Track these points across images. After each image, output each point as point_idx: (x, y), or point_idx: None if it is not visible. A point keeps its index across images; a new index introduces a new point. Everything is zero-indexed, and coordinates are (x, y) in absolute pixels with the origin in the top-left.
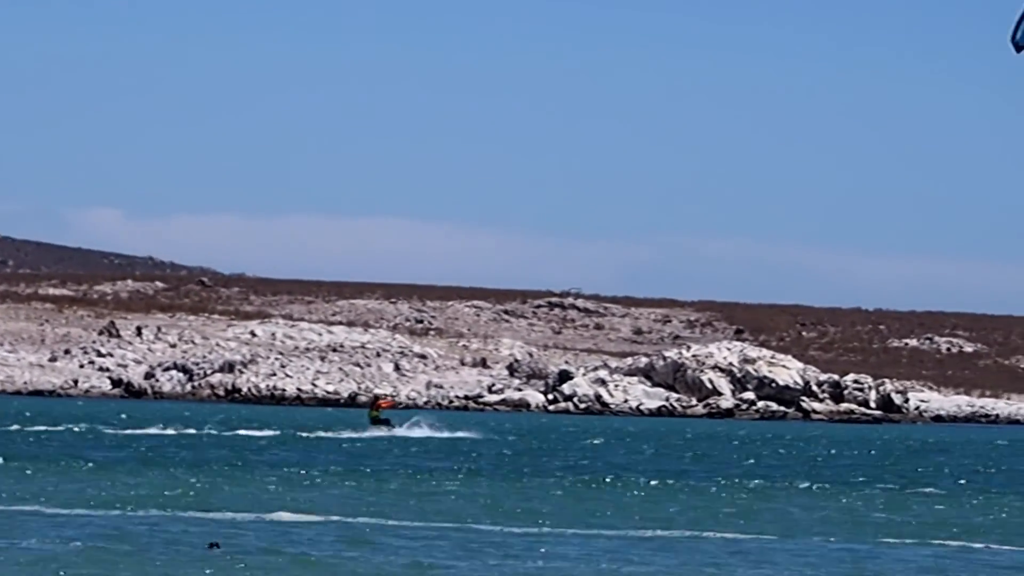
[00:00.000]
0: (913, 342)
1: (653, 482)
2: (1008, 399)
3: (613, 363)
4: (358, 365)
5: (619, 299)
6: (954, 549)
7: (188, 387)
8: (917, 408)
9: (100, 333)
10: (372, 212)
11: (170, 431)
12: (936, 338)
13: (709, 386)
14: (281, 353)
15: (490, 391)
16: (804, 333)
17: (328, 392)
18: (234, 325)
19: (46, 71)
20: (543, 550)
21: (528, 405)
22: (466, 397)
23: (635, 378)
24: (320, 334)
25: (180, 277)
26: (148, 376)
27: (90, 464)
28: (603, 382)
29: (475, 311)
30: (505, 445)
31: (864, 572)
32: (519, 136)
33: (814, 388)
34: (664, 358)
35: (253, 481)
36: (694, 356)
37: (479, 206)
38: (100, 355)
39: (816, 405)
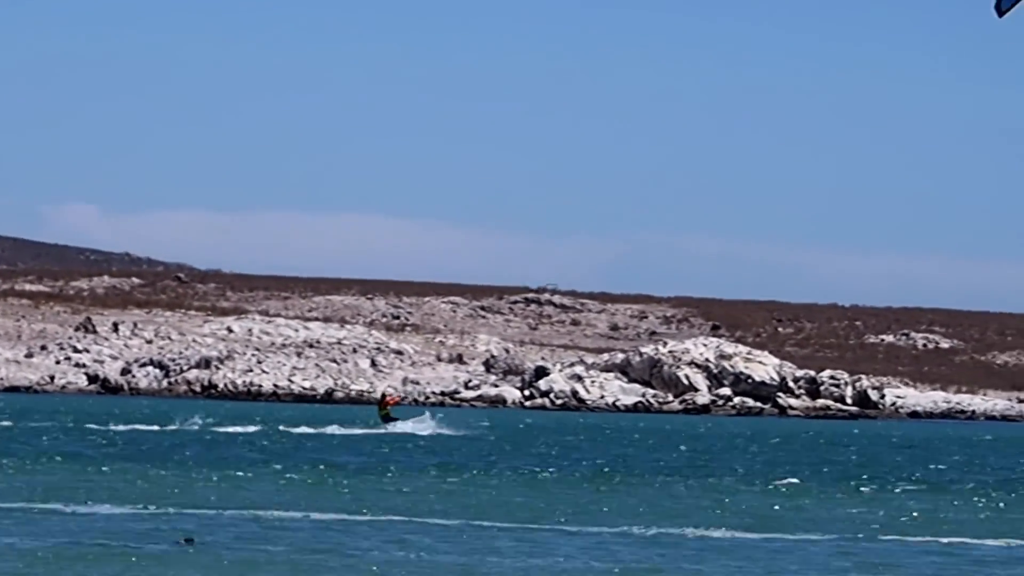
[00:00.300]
0: (889, 338)
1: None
2: (984, 395)
3: (589, 359)
4: (334, 361)
5: (595, 295)
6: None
7: (164, 383)
8: (893, 404)
9: (76, 329)
10: (349, 208)
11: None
12: (912, 334)
13: (685, 382)
14: (258, 349)
15: (466, 387)
16: (780, 329)
17: (304, 388)
18: (210, 321)
19: (22, 68)
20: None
21: (504, 401)
22: (442, 393)
23: (611, 374)
24: (296, 330)
25: (156, 273)
26: (124, 372)
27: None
28: (579, 378)
29: (451, 307)
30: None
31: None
32: (497, 133)
33: (790, 384)
34: (640, 354)
35: (241, 477)
36: (670, 352)
37: (456, 202)
38: (76, 351)
39: (792, 401)
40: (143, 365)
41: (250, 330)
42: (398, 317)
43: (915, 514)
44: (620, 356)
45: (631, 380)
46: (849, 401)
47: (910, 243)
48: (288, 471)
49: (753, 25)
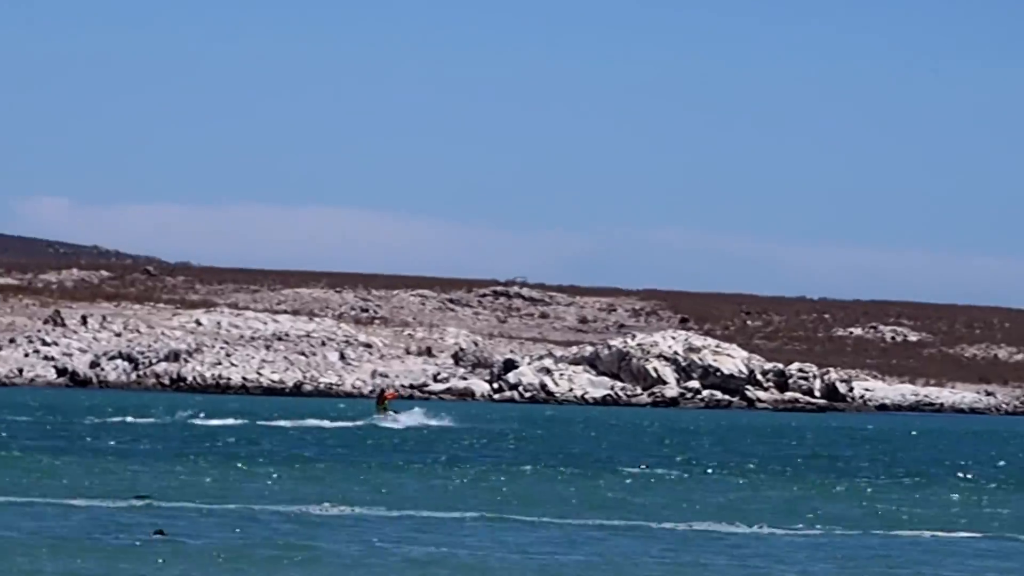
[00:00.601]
0: (858, 331)
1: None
2: (952, 388)
3: (558, 352)
4: (303, 354)
5: (564, 288)
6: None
7: (133, 376)
8: (862, 397)
9: (45, 322)
10: (317, 201)
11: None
12: (881, 327)
13: (654, 375)
14: (226, 342)
15: (435, 380)
16: (749, 322)
17: (273, 381)
18: (179, 314)
19: None
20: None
21: (473, 394)
22: (411, 386)
23: (580, 367)
24: (265, 323)
25: (125, 266)
26: (93, 365)
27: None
28: (548, 371)
29: (420, 300)
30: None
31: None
32: (465, 126)
33: (759, 377)
34: (609, 347)
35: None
36: (639, 345)
37: (425, 196)
38: (45, 344)
39: (761, 394)
40: (112, 358)
41: (219, 323)
42: (367, 310)
43: (879, 506)
44: (589, 349)
45: (600, 373)
46: (817, 394)
47: (878, 236)
48: (270, 464)
49: (720, 16)
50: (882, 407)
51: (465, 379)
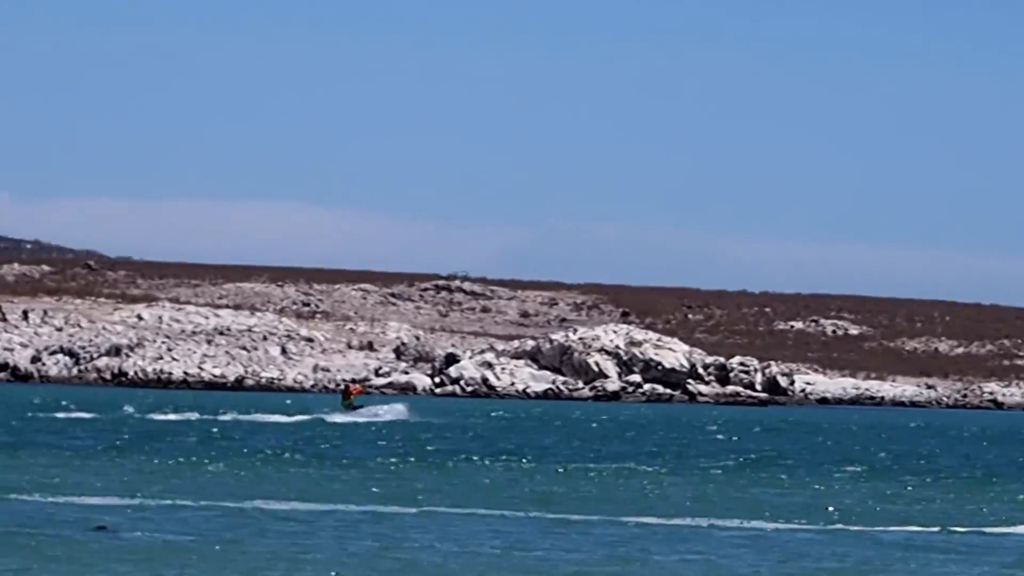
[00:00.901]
0: (799, 325)
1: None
2: (893, 381)
3: (500, 346)
4: (245, 348)
5: (506, 282)
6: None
7: (75, 371)
8: (803, 390)
9: None
10: (259, 196)
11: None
12: (822, 321)
13: (595, 369)
14: (168, 336)
15: (377, 374)
16: (690, 316)
17: (215, 375)
18: (121, 308)
19: None
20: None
21: (415, 388)
22: (352, 380)
23: (522, 361)
24: (207, 317)
25: (66, 260)
26: (34, 360)
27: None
28: (490, 365)
29: (362, 294)
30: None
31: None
32: (407, 120)
33: (700, 371)
34: (551, 341)
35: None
36: (580, 339)
37: (366, 190)
38: None
39: (702, 388)
40: (53, 353)
41: (160, 317)
42: (308, 304)
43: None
44: (530, 343)
45: (541, 367)
46: (759, 387)
47: (820, 230)
48: (220, 459)
49: (658, 7)
50: (823, 400)
51: (407, 373)
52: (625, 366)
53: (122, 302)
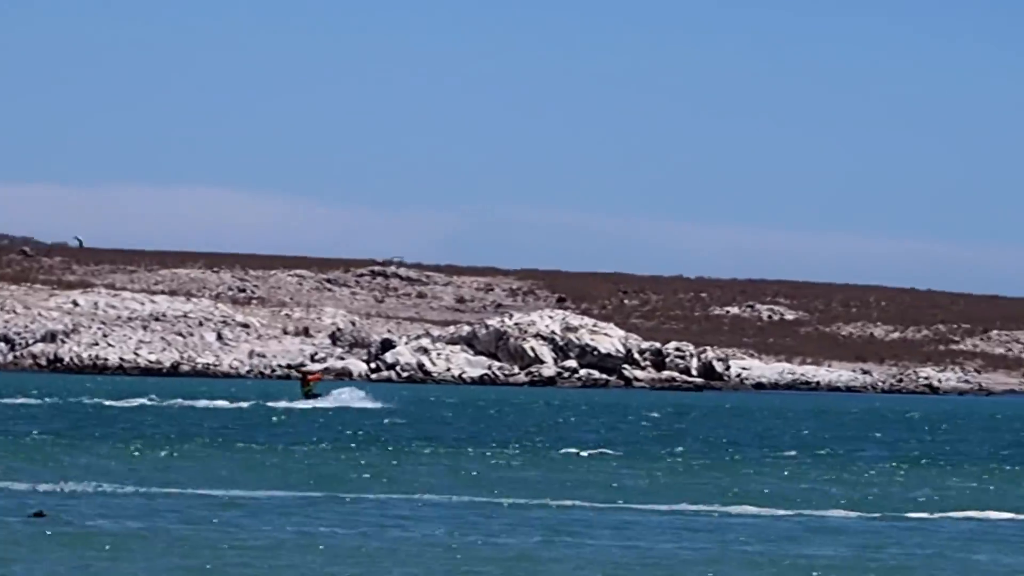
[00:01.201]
0: (735, 310)
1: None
2: (829, 366)
3: (436, 331)
4: (180, 334)
5: (441, 268)
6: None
7: (10, 357)
8: (738, 376)
9: None
10: (195, 182)
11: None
12: (757, 306)
13: (531, 354)
14: (103, 323)
15: (312, 360)
16: (626, 301)
17: (151, 361)
18: (56, 295)
19: None
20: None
21: (351, 374)
22: (288, 366)
23: (458, 346)
24: (142, 303)
25: (1, 247)
26: None
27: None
28: (425, 351)
29: (297, 280)
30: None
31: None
32: (341, 106)
33: (636, 356)
34: (486, 326)
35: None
36: (516, 324)
37: (302, 175)
38: None
39: (638, 373)
40: None
41: (96, 304)
42: (244, 290)
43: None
44: (466, 329)
45: (477, 353)
46: (694, 373)
47: (755, 215)
48: (173, 445)
49: None
50: (759, 385)
51: (343, 359)
52: (561, 351)
53: (58, 288)
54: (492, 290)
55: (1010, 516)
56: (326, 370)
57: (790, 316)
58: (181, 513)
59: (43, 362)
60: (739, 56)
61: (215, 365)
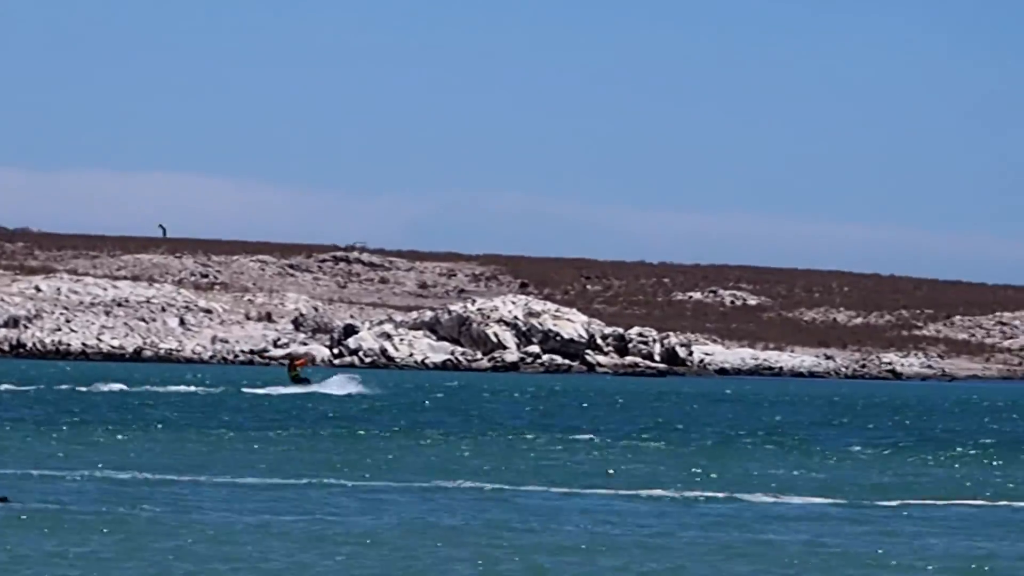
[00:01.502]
0: (697, 295)
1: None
2: (792, 351)
3: (398, 317)
4: (143, 320)
5: (404, 253)
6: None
7: None
8: (701, 361)
9: None
10: (157, 167)
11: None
12: (720, 291)
13: (494, 340)
14: (66, 308)
15: (275, 345)
16: (589, 286)
17: (113, 347)
18: (18, 280)
19: None
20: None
21: (314, 359)
22: (251, 351)
23: (420, 332)
24: (105, 289)
25: None
26: None
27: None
28: (388, 336)
29: (260, 265)
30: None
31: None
32: (303, 90)
33: (599, 341)
34: (449, 312)
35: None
36: (479, 310)
37: (264, 160)
38: None
39: (601, 358)
40: None
41: (59, 289)
42: (207, 275)
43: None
44: (429, 314)
45: (440, 338)
46: (657, 358)
47: (717, 200)
48: (126, 430)
49: None
50: (722, 371)
51: (305, 344)
52: (524, 337)
53: (20, 273)
54: (455, 275)
55: (974, 503)
56: (288, 355)
57: (753, 301)
58: (152, 498)
59: (5, 347)
60: (698, 41)
61: (178, 350)
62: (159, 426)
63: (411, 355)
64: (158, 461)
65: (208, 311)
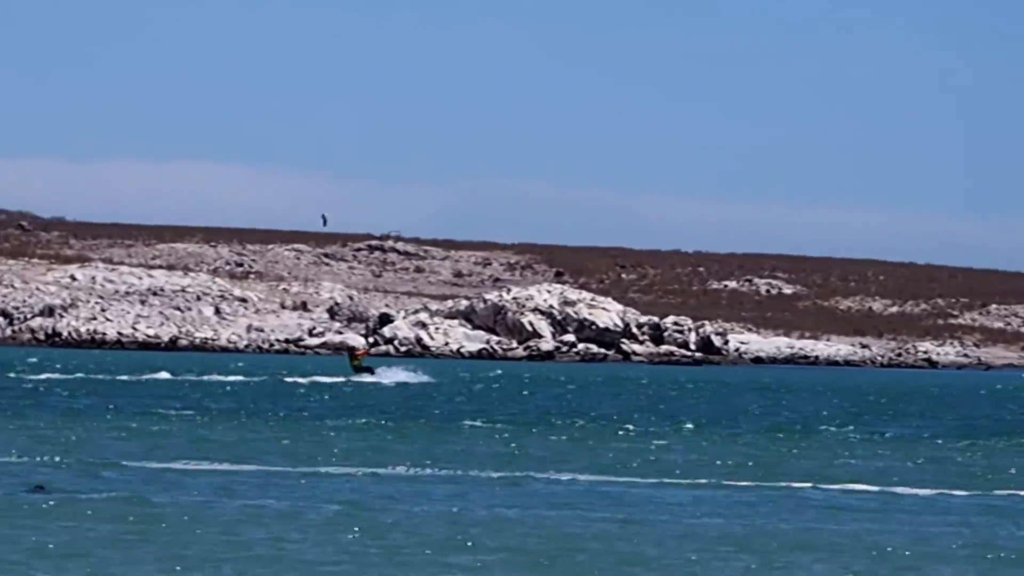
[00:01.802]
0: (733, 284)
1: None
2: (827, 340)
3: (434, 306)
4: (178, 309)
5: (439, 242)
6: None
7: (8, 331)
8: (737, 350)
9: None
10: (193, 156)
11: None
12: (756, 280)
13: (529, 328)
14: (101, 297)
15: (311, 334)
16: (624, 275)
17: (148, 336)
18: (54, 269)
19: None
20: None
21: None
22: (287, 340)
23: (456, 321)
24: (140, 278)
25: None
26: None
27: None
28: (424, 325)
29: (295, 254)
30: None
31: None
32: (340, 79)
33: (634, 330)
34: (484, 301)
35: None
36: (514, 299)
37: (299, 150)
38: None
39: (636, 347)
40: None
41: (93, 278)
42: (242, 264)
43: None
44: (464, 303)
45: (475, 327)
46: (693, 347)
47: (753, 189)
48: (174, 420)
49: None
50: (757, 360)
51: (341, 333)
52: (559, 326)
53: (55, 263)
54: (490, 264)
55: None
56: (323, 344)
57: (788, 290)
58: (184, 487)
59: (41, 336)
60: (735, 31)
61: (213, 339)
62: (206, 414)
63: (447, 344)
64: (194, 449)
65: (243, 300)
